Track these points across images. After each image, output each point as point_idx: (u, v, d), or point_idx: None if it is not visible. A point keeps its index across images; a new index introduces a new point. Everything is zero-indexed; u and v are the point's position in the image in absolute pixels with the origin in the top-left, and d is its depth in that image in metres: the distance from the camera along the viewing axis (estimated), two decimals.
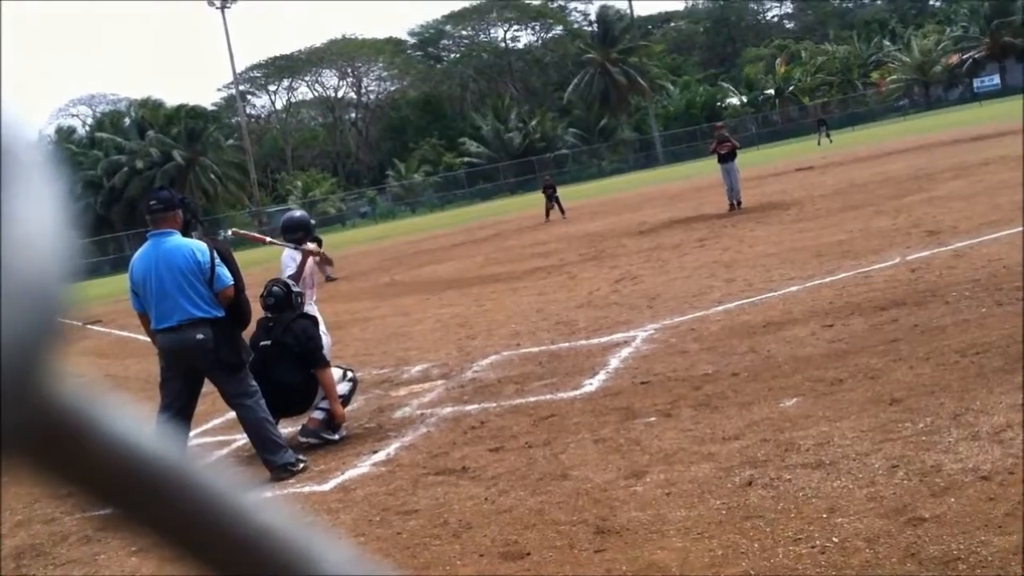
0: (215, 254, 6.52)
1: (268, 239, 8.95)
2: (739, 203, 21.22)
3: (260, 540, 0.40)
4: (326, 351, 8.45)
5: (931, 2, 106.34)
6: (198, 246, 6.52)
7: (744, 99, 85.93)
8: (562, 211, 31.14)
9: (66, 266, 0.34)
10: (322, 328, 8.57)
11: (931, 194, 16.71)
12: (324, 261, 8.75)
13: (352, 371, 7.75)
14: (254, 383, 6.66)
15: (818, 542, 3.99)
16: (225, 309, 6.51)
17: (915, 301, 8.30)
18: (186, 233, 6.67)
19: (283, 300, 7.42)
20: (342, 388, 7.40)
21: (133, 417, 0.39)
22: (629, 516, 4.65)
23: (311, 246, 8.34)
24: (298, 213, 9.54)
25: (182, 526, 0.40)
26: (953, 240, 11.12)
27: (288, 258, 8.33)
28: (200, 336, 6.37)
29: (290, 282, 7.77)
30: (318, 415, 7.25)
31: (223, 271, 6.51)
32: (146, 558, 5.33)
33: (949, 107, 74.80)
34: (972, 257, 9.80)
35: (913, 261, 10.29)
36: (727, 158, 21.38)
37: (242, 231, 9.50)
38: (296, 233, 8.73)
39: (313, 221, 9.27)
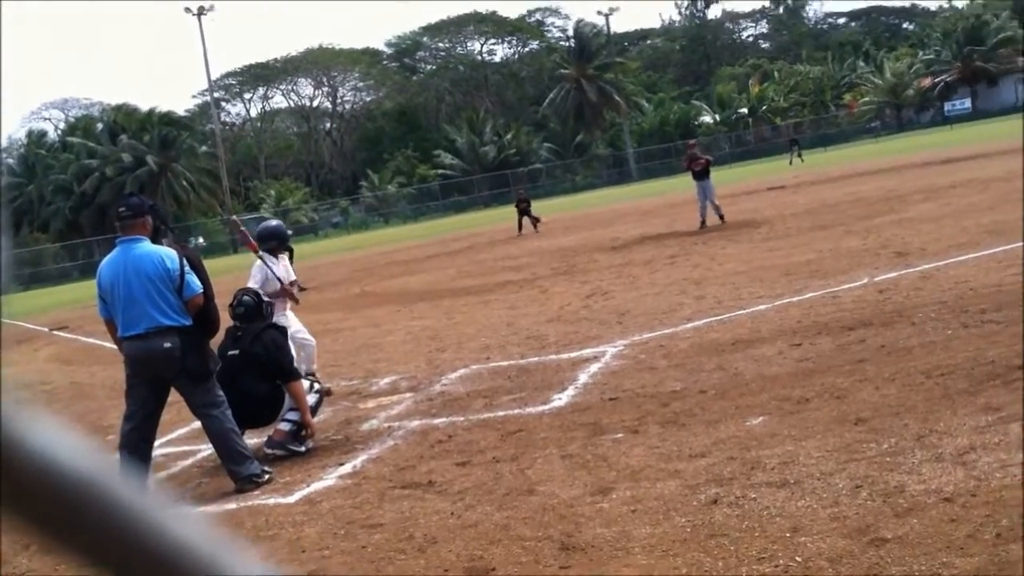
0: (184, 261, 6.47)
1: (260, 252, 8.85)
2: (722, 217, 21.27)
3: (177, 554, 0.40)
4: (312, 356, 8.48)
5: (905, 25, 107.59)
6: (167, 253, 6.47)
7: (718, 117, 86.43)
8: (535, 224, 31.21)
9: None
10: (306, 333, 8.57)
11: (901, 215, 16.86)
12: (290, 297, 8.75)
13: (319, 383, 7.71)
14: (221, 393, 6.61)
15: (782, 561, 4.01)
16: (193, 317, 6.46)
17: (882, 322, 8.37)
18: (156, 240, 6.62)
19: (253, 310, 7.38)
20: (309, 399, 7.36)
21: (52, 430, 0.39)
22: (594, 532, 4.65)
23: (288, 282, 8.48)
24: (273, 223, 9.57)
25: (98, 540, 0.39)
26: (921, 262, 11.23)
27: (257, 269, 8.34)
28: (167, 344, 6.32)
29: (260, 292, 7.76)
30: (284, 427, 7.20)
31: (192, 279, 6.46)
32: None
33: (920, 129, 75.59)
34: (939, 279, 9.90)
35: (881, 282, 10.38)
36: (702, 175, 21.42)
37: (241, 227, 9.37)
38: (270, 243, 8.74)
39: (290, 232, 9.28)
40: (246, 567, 0.42)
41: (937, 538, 3.96)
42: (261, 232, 8.98)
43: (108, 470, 0.40)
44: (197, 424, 7.10)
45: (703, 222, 21.30)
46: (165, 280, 6.34)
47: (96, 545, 0.39)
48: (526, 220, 31.28)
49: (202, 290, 6.50)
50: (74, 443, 0.39)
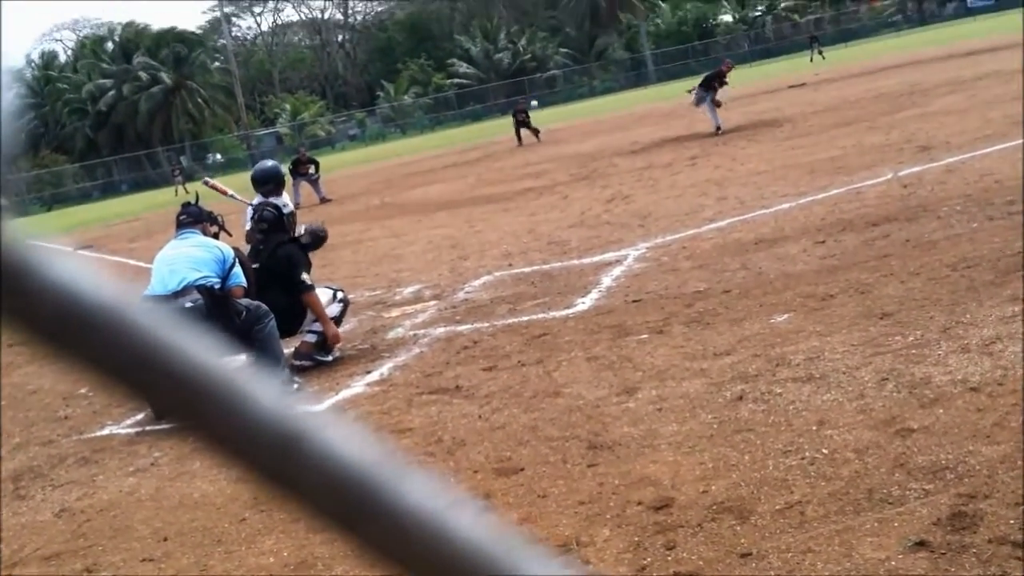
0: (237, 258, 6.80)
1: (230, 192, 9.04)
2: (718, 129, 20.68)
3: (195, 374, 0.41)
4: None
5: None
6: (224, 246, 6.86)
7: (736, 16, 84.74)
8: (536, 135, 30.64)
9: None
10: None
11: (924, 110, 16.60)
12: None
13: (342, 291, 7.74)
14: (258, 309, 6.65)
15: (808, 454, 4.04)
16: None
17: (906, 216, 8.30)
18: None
19: (274, 223, 7.41)
20: (333, 310, 7.40)
21: (72, 263, 0.40)
22: (621, 431, 4.70)
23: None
24: (268, 163, 9.68)
25: (119, 362, 0.40)
26: (945, 155, 11.08)
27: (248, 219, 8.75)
28: (188, 304, 6.37)
29: (281, 204, 7.80)
30: (310, 338, 7.26)
31: (239, 272, 6.73)
32: (144, 478, 5.39)
33: (943, 22, 73.95)
34: (964, 172, 9.78)
35: (905, 177, 10.27)
36: (708, 87, 21.07)
37: (214, 183, 9.59)
38: (267, 185, 8.79)
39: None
40: (267, 391, 0.42)
41: (963, 427, 3.98)
42: (256, 175, 9.00)
43: (131, 298, 0.41)
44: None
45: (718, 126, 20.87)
46: (212, 263, 6.60)
47: (123, 367, 0.40)
48: (526, 132, 30.69)
49: (245, 284, 6.75)
50: (95, 275, 0.40)
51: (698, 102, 21.42)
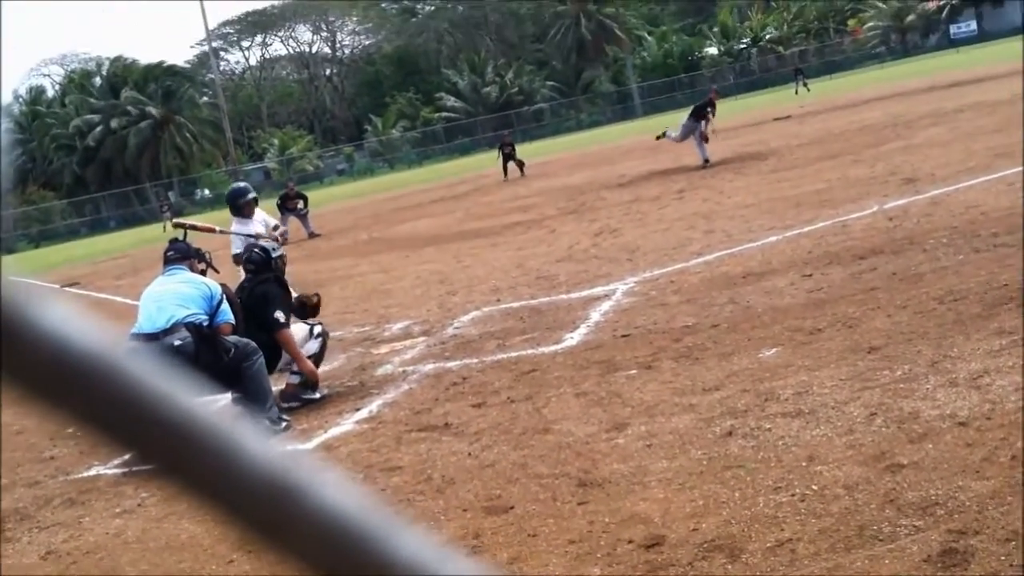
0: (224, 295, 6.80)
1: (218, 228, 9.44)
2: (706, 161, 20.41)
3: (187, 426, 0.41)
4: None
5: None
6: (211, 283, 6.87)
7: (721, 48, 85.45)
8: (521, 168, 30.45)
9: None
10: None
11: (908, 142, 16.73)
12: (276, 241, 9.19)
13: (320, 326, 7.65)
14: (247, 347, 6.63)
15: (798, 490, 4.04)
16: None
17: (893, 249, 8.34)
18: None
19: (260, 264, 7.44)
20: (310, 347, 7.35)
21: (64, 311, 0.41)
22: (611, 468, 4.68)
23: (270, 227, 9.18)
24: (236, 185, 10.34)
25: (110, 414, 0.40)
26: (930, 187, 11.15)
27: (233, 239, 9.05)
28: (176, 342, 6.35)
29: (268, 245, 7.85)
30: (293, 379, 7.23)
31: (227, 309, 6.72)
32: (131, 519, 5.35)
33: (926, 54, 74.68)
34: (949, 204, 9.84)
35: (891, 209, 10.33)
36: (698, 117, 20.88)
37: (185, 221, 9.80)
38: (236, 202, 9.59)
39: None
40: (256, 442, 0.43)
41: (953, 462, 3.98)
42: (227, 197, 9.71)
43: (120, 347, 0.41)
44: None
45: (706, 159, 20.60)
46: (200, 300, 6.60)
47: (107, 417, 0.41)
48: (512, 165, 30.58)
49: (233, 322, 6.74)
50: (86, 323, 0.41)
51: (684, 135, 21.39)
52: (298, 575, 0.42)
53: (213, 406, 0.43)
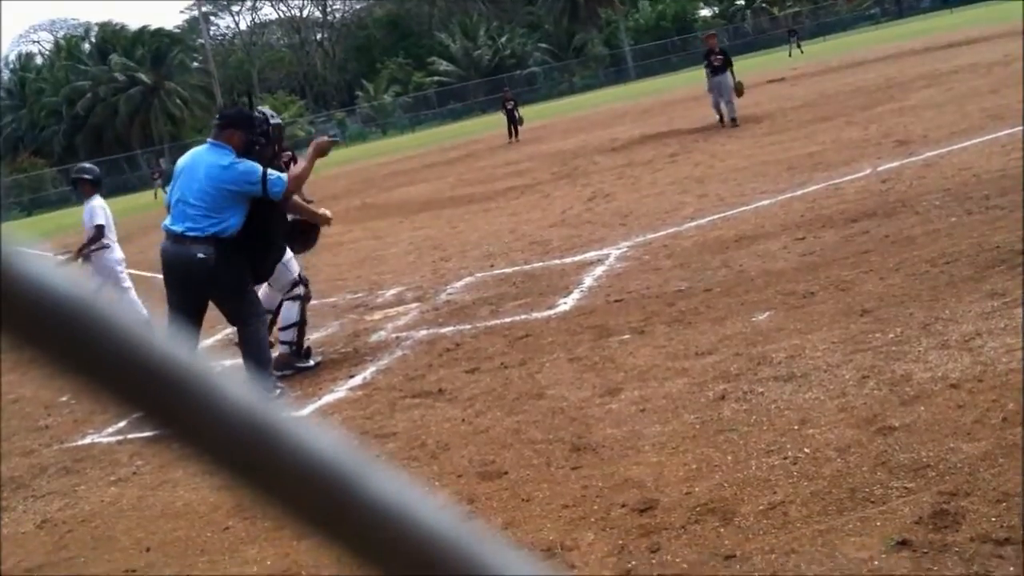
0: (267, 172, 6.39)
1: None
2: (734, 120, 19.51)
3: (163, 369, 0.42)
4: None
5: None
6: (249, 166, 6.36)
7: (715, 10, 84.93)
8: (516, 132, 30.03)
9: None
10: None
11: (902, 103, 16.68)
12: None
13: (302, 286, 7.38)
14: (259, 304, 6.58)
15: (790, 453, 4.05)
16: (249, 233, 6.37)
17: (886, 212, 8.34)
18: (249, 157, 6.46)
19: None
20: (290, 314, 7.19)
21: (45, 260, 0.41)
22: (604, 433, 4.70)
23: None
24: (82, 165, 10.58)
25: (90, 360, 0.41)
26: (924, 150, 11.13)
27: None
28: (200, 255, 6.21)
29: (269, 114, 7.12)
30: (284, 349, 7.20)
31: (277, 178, 6.40)
32: (126, 487, 5.36)
33: (921, 14, 74.28)
34: (942, 166, 9.83)
35: (884, 172, 10.31)
36: (718, 71, 19.83)
37: None
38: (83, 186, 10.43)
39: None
40: (234, 384, 0.43)
41: (944, 424, 4.00)
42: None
43: (101, 297, 0.42)
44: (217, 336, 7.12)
45: (721, 118, 19.93)
46: (225, 190, 6.26)
47: (93, 363, 0.41)
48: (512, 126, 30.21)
49: (288, 185, 6.44)
50: (67, 272, 0.42)
51: (719, 95, 19.94)
52: (278, 517, 0.43)
53: (193, 350, 0.44)
